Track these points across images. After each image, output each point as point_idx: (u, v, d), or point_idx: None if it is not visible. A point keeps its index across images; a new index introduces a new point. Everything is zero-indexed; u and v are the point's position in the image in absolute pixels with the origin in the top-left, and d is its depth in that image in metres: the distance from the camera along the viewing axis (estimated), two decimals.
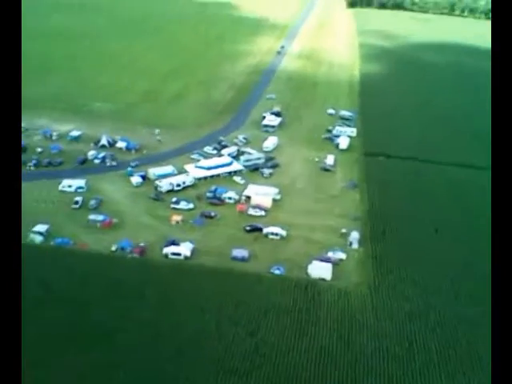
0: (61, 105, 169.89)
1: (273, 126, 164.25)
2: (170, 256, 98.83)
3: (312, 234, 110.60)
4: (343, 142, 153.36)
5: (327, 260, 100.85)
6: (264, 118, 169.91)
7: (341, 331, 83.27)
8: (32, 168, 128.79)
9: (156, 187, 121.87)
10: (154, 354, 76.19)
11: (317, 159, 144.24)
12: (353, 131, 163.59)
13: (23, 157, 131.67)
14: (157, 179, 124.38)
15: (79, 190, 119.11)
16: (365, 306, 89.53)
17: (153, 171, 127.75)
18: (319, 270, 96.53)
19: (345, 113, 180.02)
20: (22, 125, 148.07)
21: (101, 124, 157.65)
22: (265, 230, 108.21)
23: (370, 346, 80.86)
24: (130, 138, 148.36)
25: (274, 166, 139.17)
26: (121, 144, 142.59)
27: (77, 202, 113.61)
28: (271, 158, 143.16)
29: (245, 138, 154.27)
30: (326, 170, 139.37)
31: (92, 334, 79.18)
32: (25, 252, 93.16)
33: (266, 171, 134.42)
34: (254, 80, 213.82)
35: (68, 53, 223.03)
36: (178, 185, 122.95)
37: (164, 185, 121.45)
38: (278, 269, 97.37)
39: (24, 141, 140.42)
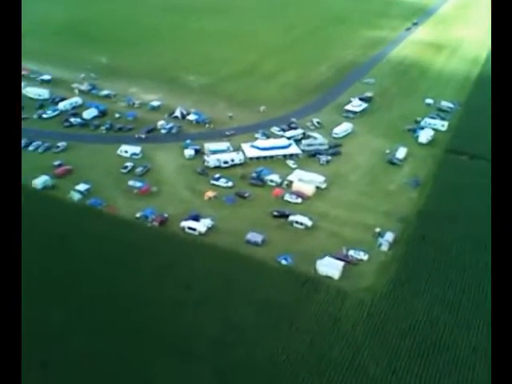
0: (158, 75, 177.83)
1: (355, 112, 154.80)
2: (187, 230, 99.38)
3: (342, 228, 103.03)
4: (424, 135, 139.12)
5: (343, 258, 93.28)
6: (350, 102, 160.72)
7: (314, 338, 76.64)
8: (103, 131, 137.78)
9: (203, 162, 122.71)
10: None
11: (387, 151, 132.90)
12: (444, 125, 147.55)
13: (101, 120, 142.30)
14: (209, 154, 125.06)
15: (134, 157, 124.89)
16: (355, 315, 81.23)
17: (208, 146, 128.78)
18: (327, 268, 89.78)
19: (444, 104, 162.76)
20: (112, 92, 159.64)
21: (185, 96, 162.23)
22: (290, 218, 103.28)
23: (340, 359, 73.46)
24: (205, 112, 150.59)
25: (335, 154, 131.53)
26: (192, 117, 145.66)
27: (126, 167, 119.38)
28: (336, 145, 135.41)
29: (318, 122, 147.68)
30: (393, 163, 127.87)
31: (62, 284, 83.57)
32: (56, 206, 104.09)
33: (324, 158, 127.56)
34: (360, 62, 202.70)
35: (192, 27, 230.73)
36: (226, 162, 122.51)
37: (211, 160, 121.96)
38: (285, 259, 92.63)
39: (108, 106, 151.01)
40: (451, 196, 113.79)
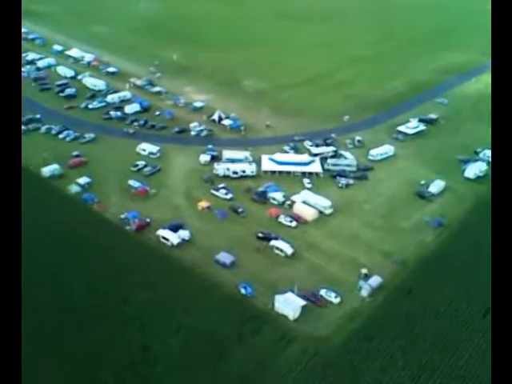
0: (219, 77, 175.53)
1: (406, 134, 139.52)
2: (161, 239, 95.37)
3: (327, 263, 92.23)
4: (472, 170, 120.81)
5: (309, 297, 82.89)
6: (409, 122, 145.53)
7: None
8: (136, 127, 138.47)
9: (212, 169, 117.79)
10: None
11: (422, 182, 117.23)
12: None
13: (140, 116, 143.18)
14: (220, 163, 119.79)
15: (151, 156, 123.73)
16: (289, 366, 71.10)
17: (226, 154, 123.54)
18: (284, 305, 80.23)
19: None
20: (164, 89, 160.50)
21: (234, 100, 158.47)
22: (272, 242, 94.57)
23: None
24: (245, 119, 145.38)
25: (361, 178, 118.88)
26: (227, 122, 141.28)
27: (136, 165, 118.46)
28: (367, 169, 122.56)
29: (359, 141, 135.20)
30: (422, 196, 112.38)
31: None
32: (50, 195, 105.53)
33: (343, 181, 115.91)
34: (441, 80, 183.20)
35: (281, 34, 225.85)
36: (235, 172, 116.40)
37: (220, 169, 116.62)
38: (245, 288, 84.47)
39: (153, 102, 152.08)
40: (470, 248, 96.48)
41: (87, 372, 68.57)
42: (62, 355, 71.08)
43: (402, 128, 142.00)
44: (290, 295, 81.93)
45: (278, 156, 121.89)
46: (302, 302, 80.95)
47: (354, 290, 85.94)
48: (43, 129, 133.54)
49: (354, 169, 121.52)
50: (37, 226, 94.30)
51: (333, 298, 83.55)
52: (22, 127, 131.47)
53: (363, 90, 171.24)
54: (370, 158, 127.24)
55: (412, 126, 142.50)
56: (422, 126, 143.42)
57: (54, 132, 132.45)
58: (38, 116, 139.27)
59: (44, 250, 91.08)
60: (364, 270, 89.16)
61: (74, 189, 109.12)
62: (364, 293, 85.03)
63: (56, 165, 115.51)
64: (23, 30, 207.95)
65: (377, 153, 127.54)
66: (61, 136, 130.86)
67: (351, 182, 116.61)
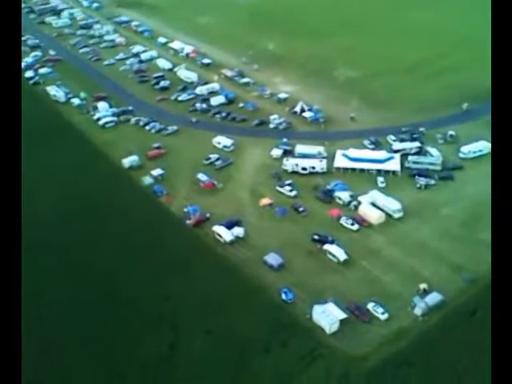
0: (311, 66, 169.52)
1: None
2: (216, 235, 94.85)
3: (384, 273, 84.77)
4: None
5: (353, 310, 76.85)
6: None
7: None
8: (218, 119, 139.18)
9: (282, 165, 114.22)
10: None
11: None
12: None
13: (224, 108, 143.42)
14: (297, 156, 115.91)
15: (225, 149, 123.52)
16: None
17: (299, 148, 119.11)
18: (322, 317, 75.11)
19: None
20: (253, 80, 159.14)
21: (321, 91, 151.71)
22: (325, 247, 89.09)
23: None
24: (329, 110, 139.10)
25: (446, 178, 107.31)
26: (308, 114, 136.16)
27: (209, 158, 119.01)
28: (454, 168, 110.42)
29: (452, 136, 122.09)
30: None
31: None
32: (124, 186, 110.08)
33: (423, 181, 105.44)
34: None
35: (392, 18, 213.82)
36: (304, 168, 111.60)
37: (289, 164, 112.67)
38: (286, 293, 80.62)
39: (239, 94, 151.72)
40: None
41: (111, 366, 70.24)
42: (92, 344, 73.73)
43: None
44: (330, 306, 76.58)
45: (353, 152, 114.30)
46: (343, 315, 75.15)
47: (408, 307, 77.73)
48: (133, 120, 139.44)
49: (439, 167, 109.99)
50: (105, 214, 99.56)
51: (379, 313, 76.26)
52: (114, 118, 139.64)
53: (468, 79, 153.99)
54: (460, 155, 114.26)
55: None
56: None
57: (141, 123, 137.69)
58: (130, 108, 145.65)
59: (102, 239, 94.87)
60: (423, 285, 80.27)
61: (147, 180, 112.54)
62: (418, 311, 76.58)
63: (135, 156, 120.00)
64: (135, 22, 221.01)
65: (469, 150, 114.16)
66: (147, 128, 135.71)
67: (432, 182, 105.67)
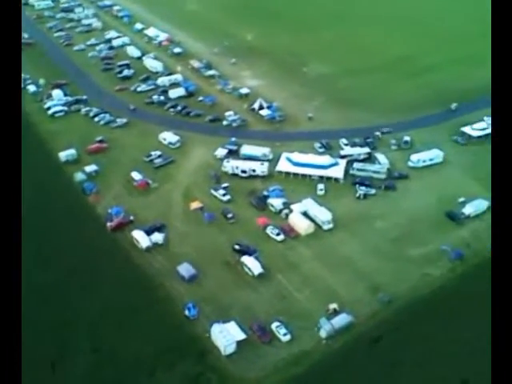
0: (287, 60, 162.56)
1: (470, 136, 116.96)
2: (134, 240, 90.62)
3: (298, 289, 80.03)
4: None
5: (255, 330, 72.45)
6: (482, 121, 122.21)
7: None
8: (172, 113, 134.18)
9: (221, 166, 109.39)
10: None
11: (462, 199, 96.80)
12: None
13: (182, 101, 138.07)
14: (241, 158, 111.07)
15: (170, 146, 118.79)
16: None
17: (244, 149, 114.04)
18: (220, 337, 70.67)
19: None
20: (219, 73, 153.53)
21: (287, 87, 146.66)
22: (242, 259, 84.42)
23: None
24: (288, 108, 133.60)
25: (388, 188, 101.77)
26: (265, 112, 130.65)
27: (149, 155, 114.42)
28: (400, 177, 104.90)
29: (406, 142, 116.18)
30: (452, 218, 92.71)
31: None
32: (53, 181, 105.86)
33: (362, 190, 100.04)
34: None
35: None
36: (244, 171, 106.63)
37: (228, 166, 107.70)
38: (189, 309, 76.23)
39: (201, 87, 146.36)
40: (483, 296, 76.21)
41: None
42: None
43: (466, 128, 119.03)
44: (230, 325, 72.14)
45: (296, 156, 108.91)
46: (242, 336, 70.75)
47: (315, 328, 73.05)
48: (83, 111, 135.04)
49: (384, 176, 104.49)
50: (25, 212, 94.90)
51: (281, 334, 71.77)
52: (64, 108, 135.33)
53: (447, 79, 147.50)
54: (409, 164, 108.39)
55: (480, 126, 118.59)
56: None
57: (91, 114, 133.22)
58: (84, 97, 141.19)
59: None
60: (333, 305, 75.55)
61: (79, 176, 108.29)
62: (323, 333, 71.98)
63: (73, 150, 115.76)
64: (116, 7, 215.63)
65: (418, 158, 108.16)
66: (96, 119, 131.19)
67: (373, 192, 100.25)
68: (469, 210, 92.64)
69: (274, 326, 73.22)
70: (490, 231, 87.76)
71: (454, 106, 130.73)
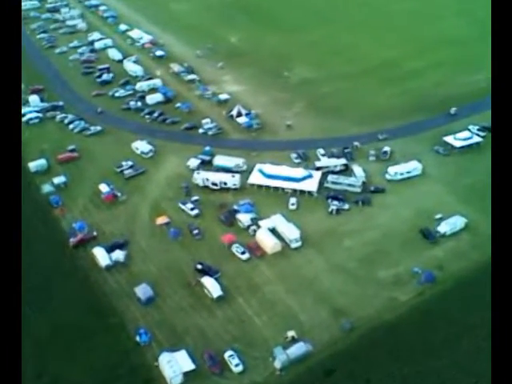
0: (268, 64, 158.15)
1: (453, 147, 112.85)
2: (95, 257, 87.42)
3: (257, 314, 76.64)
4: None
5: (206, 360, 69.08)
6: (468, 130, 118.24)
7: None
8: (148, 120, 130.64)
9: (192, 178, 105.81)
10: None
11: (439, 216, 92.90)
12: None
13: (159, 107, 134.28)
14: (199, 172, 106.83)
15: (143, 155, 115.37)
16: None
17: (218, 159, 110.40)
18: (168, 367, 67.34)
19: None
20: (199, 77, 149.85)
21: (268, 93, 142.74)
22: (203, 280, 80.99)
23: None
24: (266, 116, 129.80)
25: (362, 203, 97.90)
26: (242, 119, 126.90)
27: (120, 166, 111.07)
28: (376, 191, 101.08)
29: (385, 153, 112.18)
30: (428, 236, 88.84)
31: None
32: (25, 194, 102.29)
33: (334, 205, 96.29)
34: None
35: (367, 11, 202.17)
36: (214, 184, 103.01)
37: (199, 178, 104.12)
38: (141, 335, 73.01)
39: (180, 93, 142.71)
40: (451, 324, 72.90)
41: None
42: None
43: (449, 138, 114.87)
44: (181, 354, 68.89)
45: (268, 168, 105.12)
46: (190, 366, 67.53)
47: (270, 358, 69.60)
48: (58, 118, 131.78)
49: (359, 190, 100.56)
50: None
51: (233, 365, 68.36)
52: (39, 114, 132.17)
53: (431, 85, 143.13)
54: (387, 176, 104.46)
55: (463, 136, 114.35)
56: (477, 138, 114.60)
57: (66, 122, 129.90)
58: (60, 103, 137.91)
59: None
60: (291, 333, 72.10)
61: (46, 188, 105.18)
62: (277, 363, 68.49)
63: (43, 160, 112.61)
64: (103, 7, 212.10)
65: (395, 171, 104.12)
66: (71, 126, 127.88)
67: (346, 206, 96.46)
68: (444, 228, 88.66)
69: (226, 355, 69.85)
70: (465, 251, 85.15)
71: (453, 110, 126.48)
